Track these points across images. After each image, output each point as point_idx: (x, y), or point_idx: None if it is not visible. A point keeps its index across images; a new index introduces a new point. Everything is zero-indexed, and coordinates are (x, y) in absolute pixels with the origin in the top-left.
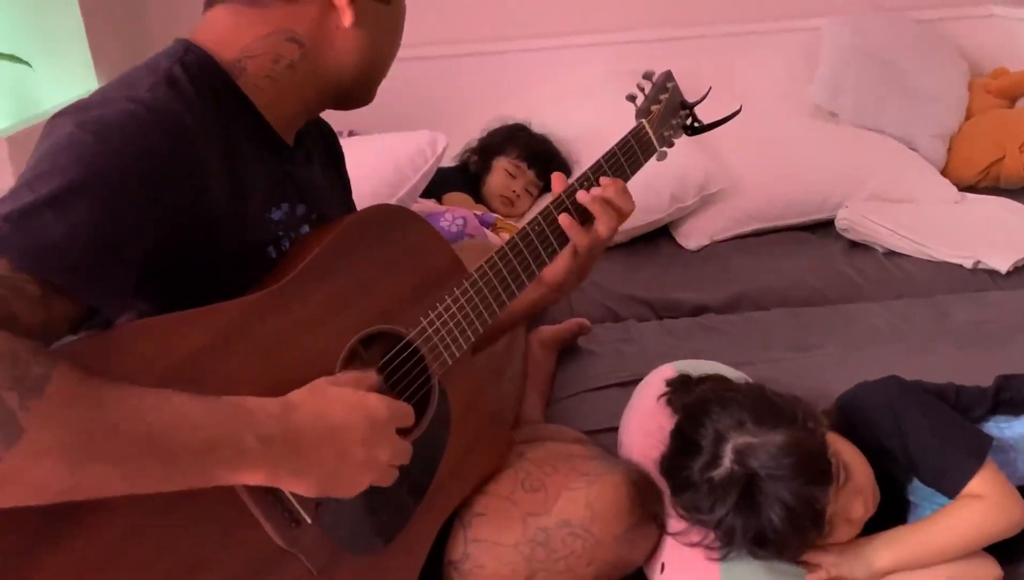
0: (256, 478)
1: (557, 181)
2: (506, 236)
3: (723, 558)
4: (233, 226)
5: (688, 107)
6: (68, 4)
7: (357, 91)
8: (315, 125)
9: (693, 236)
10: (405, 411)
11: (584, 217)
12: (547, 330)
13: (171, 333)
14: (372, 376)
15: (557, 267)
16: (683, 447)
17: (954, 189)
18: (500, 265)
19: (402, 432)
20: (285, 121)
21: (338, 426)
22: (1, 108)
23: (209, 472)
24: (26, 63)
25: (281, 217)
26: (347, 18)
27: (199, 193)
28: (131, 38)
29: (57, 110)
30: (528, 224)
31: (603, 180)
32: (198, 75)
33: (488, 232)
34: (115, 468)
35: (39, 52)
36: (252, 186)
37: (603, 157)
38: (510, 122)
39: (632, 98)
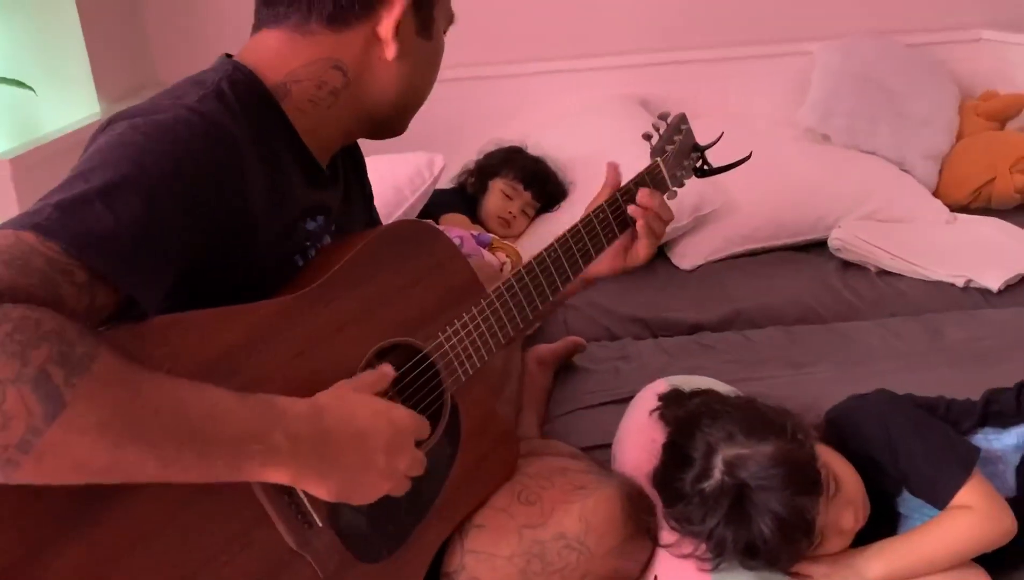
0: (282, 476)
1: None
2: (502, 256)
3: (715, 569)
4: (268, 236)
5: (700, 149)
6: (72, 30)
7: (394, 122)
8: None
9: (688, 256)
10: (422, 424)
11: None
12: (543, 348)
13: (206, 328)
14: (388, 371)
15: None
16: (675, 459)
17: (946, 210)
18: (517, 288)
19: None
20: (322, 145)
21: (365, 432)
22: (4, 131)
23: (238, 465)
24: (29, 88)
25: (314, 229)
26: (391, 51)
27: (240, 201)
28: (133, 64)
29: (59, 132)
30: (545, 250)
31: (643, 191)
32: (244, 93)
33: (485, 251)
34: (152, 451)
35: (43, 77)
36: (288, 201)
37: (619, 191)
38: (506, 144)
39: (647, 137)
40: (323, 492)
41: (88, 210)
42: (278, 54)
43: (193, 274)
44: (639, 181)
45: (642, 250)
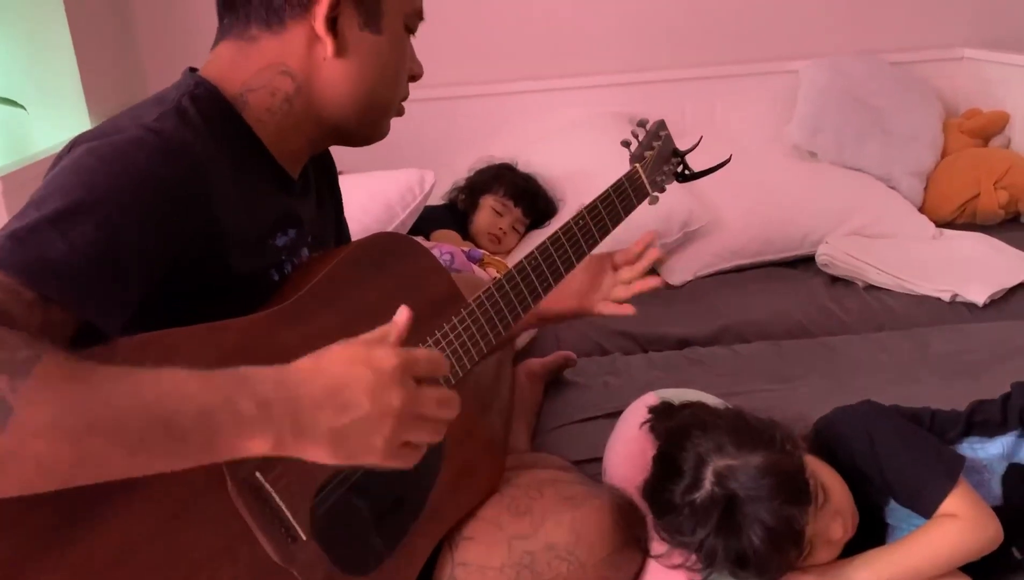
0: (261, 446)
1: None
2: (493, 271)
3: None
4: (239, 252)
5: (680, 155)
6: (63, 49)
7: (360, 126)
8: None
9: (677, 272)
10: (422, 357)
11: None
12: (534, 362)
13: (178, 349)
14: (400, 319)
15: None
16: (665, 471)
17: (932, 225)
18: (497, 296)
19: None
20: (289, 154)
21: (339, 382)
22: None
23: (211, 440)
24: (21, 106)
25: (285, 243)
26: (328, 48)
27: (207, 217)
28: (125, 82)
29: (50, 149)
30: (525, 258)
31: (622, 271)
32: (206, 107)
33: (475, 267)
34: (115, 440)
35: (34, 95)
36: (258, 215)
37: (598, 197)
38: (497, 161)
39: (626, 144)
40: (315, 454)
41: (39, 237)
42: (232, 64)
43: (164, 293)
44: (618, 187)
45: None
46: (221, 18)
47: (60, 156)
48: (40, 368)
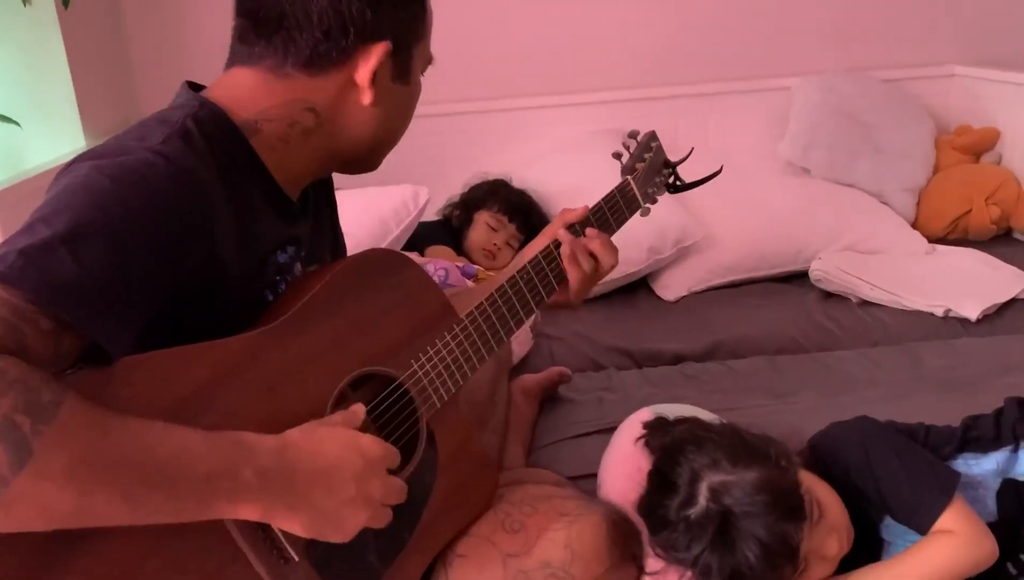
0: (252, 512)
1: (556, 223)
2: None
3: None
4: (238, 274)
5: (671, 166)
6: (58, 66)
7: (367, 160)
8: None
9: (671, 287)
10: (390, 450)
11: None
12: (529, 378)
13: (172, 368)
14: (359, 410)
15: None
16: (660, 487)
17: (924, 241)
18: (489, 311)
19: (391, 473)
20: (292, 180)
21: (333, 464)
22: None
23: (208, 504)
24: (15, 122)
25: (283, 261)
26: (367, 97)
27: (208, 244)
28: (119, 100)
29: (44, 166)
30: (517, 273)
31: (588, 231)
32: (211, 130)
33: (470, 283)
34: (120, 496)
35: (29, 112)
36: (258, 239)
37: (590, 210)
38: (491, 178)
39: (618, 156)
40: (296, 527)
41: (52, 257)
42: (251, 92)
43: (165, 314)
44: (610, 199)
45: (571, 285)
46: (244, 42)
47: (61, 173)
48: (63, 414)
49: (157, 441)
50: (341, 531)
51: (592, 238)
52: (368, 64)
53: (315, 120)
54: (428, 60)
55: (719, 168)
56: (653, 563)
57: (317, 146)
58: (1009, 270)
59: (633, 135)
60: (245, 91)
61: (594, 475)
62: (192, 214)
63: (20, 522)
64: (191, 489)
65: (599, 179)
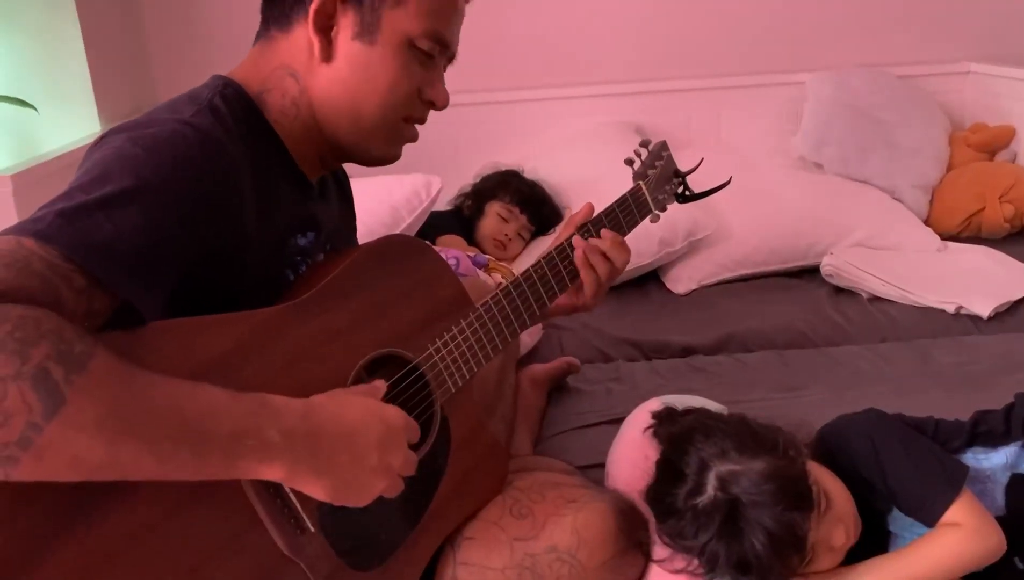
0: (276, 472)
1: (569, 225)
2: (498, 277)
3: None
4: (260, 248)
5: (681, 176)
6: (74, 49)
7: (353, 141)
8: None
9: (681, 281)
10: (412, 424)
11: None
12: (538, 368)
13: (198, 335)
14: (381, 385)
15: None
16: (668, 475)
17: (937, 238)
18: (504, 302)
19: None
20: (306, 159)
21: (357, 429)
22: (6, 148)
23: (233, 462)
24: (32, 106)
25: (304, 245)
26: (316, 50)
27: (235, 214)
28: (134, 84)
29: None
30: (532, 266)
31: (603, 232)
32: (236, 107)
33: (481, 272)
34: (148, 448)
35: (45, 96)
36: (280, 215)
37: (603, 213)
38: (503, 168)
39: (629, 162)
40: (318, 490)
41: (89, 219)
42: (255, 65)
43: (188, 286)
44: (622, 202)
45: (586, 289)
46: (262, 17)
47: (93, 146)
48: (95, 364)
49: (185, 397)
50: (359, 495)
51: (604, 240)
52: (312, 7)
53: (296, 87)
54: (424, 32)
55: (728, 180)
56: (660, 551)
57: (307, 120)
58: (1022, 268)
59: (645, 144)
60: (251, 65)
61: (601, 465)
62: (220, 183)
63: (50, 471)
64: (217, 445)
65: (610, 171)
